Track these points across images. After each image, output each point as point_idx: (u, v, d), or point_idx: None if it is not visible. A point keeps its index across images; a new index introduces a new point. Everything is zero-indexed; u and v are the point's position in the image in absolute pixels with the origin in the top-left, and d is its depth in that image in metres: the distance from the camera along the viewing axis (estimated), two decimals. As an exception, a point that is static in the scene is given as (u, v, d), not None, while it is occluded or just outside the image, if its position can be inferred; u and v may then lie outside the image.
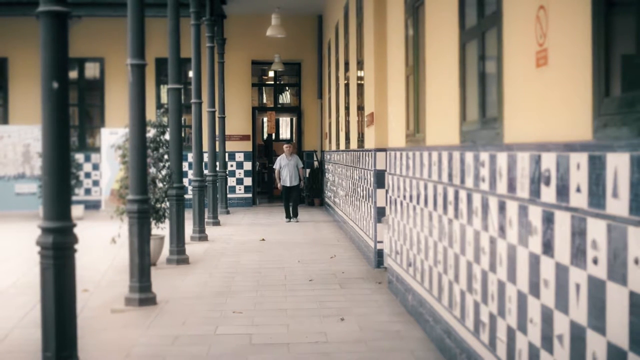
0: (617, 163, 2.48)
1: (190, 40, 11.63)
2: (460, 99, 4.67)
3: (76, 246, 4.24)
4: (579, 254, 2.81)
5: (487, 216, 4.03)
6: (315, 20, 18.59)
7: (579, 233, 2.81)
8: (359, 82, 10.70)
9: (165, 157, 9.21)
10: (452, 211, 4.81)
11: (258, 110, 20.44)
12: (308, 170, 18.19)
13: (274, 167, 15.17)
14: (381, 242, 8.57)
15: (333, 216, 14.95)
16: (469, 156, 4.37)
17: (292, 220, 14.54)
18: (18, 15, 16.02)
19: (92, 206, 17.28)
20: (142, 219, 6.82)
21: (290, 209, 14.67)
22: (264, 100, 22.99)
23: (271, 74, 20.50)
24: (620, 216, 2.47)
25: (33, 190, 15.94)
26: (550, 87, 3.17)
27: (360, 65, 10.47)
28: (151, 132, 8.90)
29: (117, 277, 8.11)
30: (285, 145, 14.85)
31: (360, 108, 10.34)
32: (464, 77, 4.63)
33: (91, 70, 18.47)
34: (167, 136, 9.35)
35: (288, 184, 14.67)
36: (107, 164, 16.26)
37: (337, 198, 14.16)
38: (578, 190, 2.81)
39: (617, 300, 2.50)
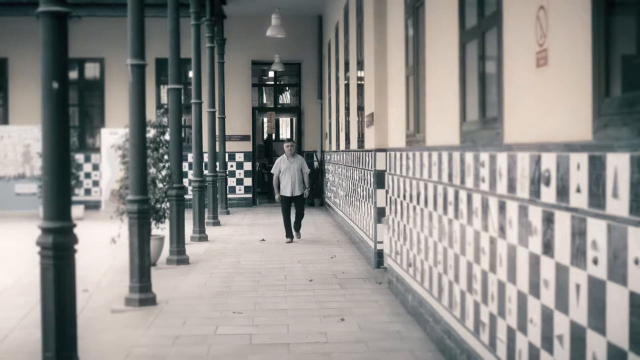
0: (617, 163, 2.48)
1: (190, 41, 11.63)
2: (460, 99, 4.67)
3: (76, 246, 4.24)
4: (579, 254, 2.81)
5: (487, 216, 4.03)
6: (315, 20, 18.58)
7: (579, 233, 2.81)
8: (359, 82, 10.70)
9: (165, 157, 9.21)
10: (452, 211, 4.81)
11: (258, 110, 20.44)
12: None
13: (272, 171, 11.75)
14: (381, 242, 8.57)
15: (333, 216, 14.94)
16: (469, 156, 4.37)
17: (294, 238, 11.42)
18: (18, 15, 16.01)
19: (92, 206, 17.28)
20: (142, 219, 6.82)
21: (292, 224, 11.45)
22: (264, 101, 23.00)
23: (271, 74, 20.51)
24: (620, 216, 2.47)
25: (33, 190, 15.94)
26: (550, 87, 3.17)
27: (360, 65, 10.46)
28: (151, 133, 8.90)
29: (117, 278, 8.10)
30: (286, 144, 11.58)
31: (360, 108, 10.34)
32: (464, 77, 4.63)
33: (91, 71, 18.47)
34: (167, 136, 9.35)
35: (289, 194, 11.32)
36: (107, 164, 16.25)
37: (337, 198, 14.16)
38: (578, 190, 2.81)
39: (617, 301, 2.50)
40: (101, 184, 17.02)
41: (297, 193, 11.40)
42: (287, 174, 11.35)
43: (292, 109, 20.92)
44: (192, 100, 11.66)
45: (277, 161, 11.63)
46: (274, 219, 14.88)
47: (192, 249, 10.31)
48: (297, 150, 17.92)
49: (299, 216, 11.46)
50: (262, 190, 20.70)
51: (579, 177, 2.79)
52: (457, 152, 4.66)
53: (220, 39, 16.00)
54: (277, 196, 11.52)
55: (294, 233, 11.47)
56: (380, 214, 8.62)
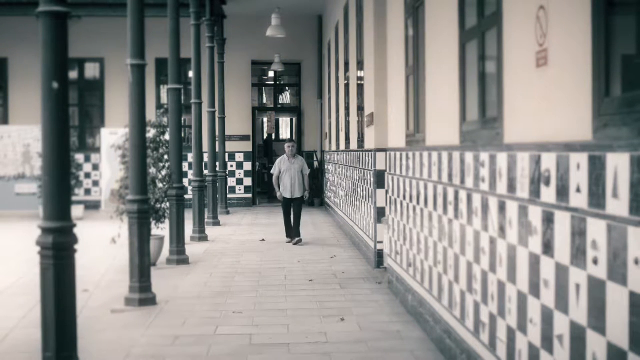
0: (617, 163, 2.48)
1: (190, 41, 11.63)
2: (460, 99, 4.67)
3: (76, 246, 4.24)
4: (579, 254, 2.81)
5: (487, 216, 4.03)
6: (315, 20, 18.58)
7: (579, 233, 2.81)
8: (359, 82, 10.70)
9: (165, 157, 9.21)
10: (452, 211, 4.81)
11: (258, 110, 20.44)
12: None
13: (271, 172, 11.57)
14: (381, 242, 8.57)
15: (333, 216, 14.94)
16: (469, 156, 4.37)
17: (294, 241, 11.03)
18: (18, 15, 16.02)
19: (92, 206, 17.28)
20: (142, 219, 6.82)
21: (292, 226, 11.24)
22: (264, 101, 23.00)
23: (271, 74, 20.51)
24: (620, 216, 2.47)
25: (33, 190, 15.94)
26: (550, 87, 3.17)
27: (360, 65, 10.46)
28: (151, 133, 8.90)
29: (117, 278, 8.10)
30: (287, 144, 11.30)
31: (360, 108, 10.34)
32: (464, 77, 4.63)
33: (91, 71, 18.48)
34: (167, 136, 9.36)
35: (289, 195, 11.11)
36: (107, 164, 16.26)
37: (337, 198, 14.16)
38: (578, 190, 2.81)
39: (617, 301, 2.50)
40: (101, 184, 17.02)
41: (297, 195, 11.15)
42: (288, 175, 11.11)
43: (292, 109, 20.92)
44: (192, 100, 11.66)
45: (277, 162, 11.37)
46: (274, 219, 14.88)
47: (192, 249, 10.31)
48: (297, 151, 17.76)
49: (297, 218, 11.11)
50: (262, 190, 20.72)
51: (579, 177, 2.79)
52: (457, 152, 4.66)
53: (220, 39, 16.00)
54: (278, 193, 11.24)
55: (294, 238, 11.10)
56: (380, 214, 8.62)
